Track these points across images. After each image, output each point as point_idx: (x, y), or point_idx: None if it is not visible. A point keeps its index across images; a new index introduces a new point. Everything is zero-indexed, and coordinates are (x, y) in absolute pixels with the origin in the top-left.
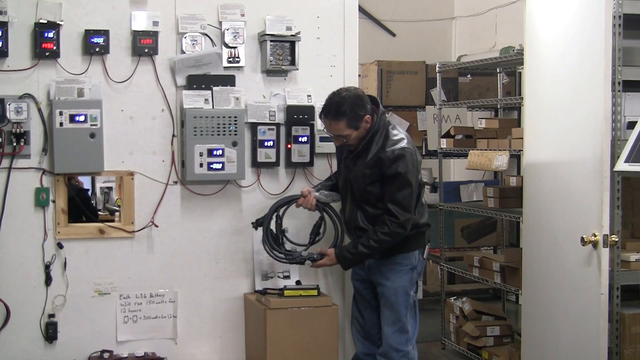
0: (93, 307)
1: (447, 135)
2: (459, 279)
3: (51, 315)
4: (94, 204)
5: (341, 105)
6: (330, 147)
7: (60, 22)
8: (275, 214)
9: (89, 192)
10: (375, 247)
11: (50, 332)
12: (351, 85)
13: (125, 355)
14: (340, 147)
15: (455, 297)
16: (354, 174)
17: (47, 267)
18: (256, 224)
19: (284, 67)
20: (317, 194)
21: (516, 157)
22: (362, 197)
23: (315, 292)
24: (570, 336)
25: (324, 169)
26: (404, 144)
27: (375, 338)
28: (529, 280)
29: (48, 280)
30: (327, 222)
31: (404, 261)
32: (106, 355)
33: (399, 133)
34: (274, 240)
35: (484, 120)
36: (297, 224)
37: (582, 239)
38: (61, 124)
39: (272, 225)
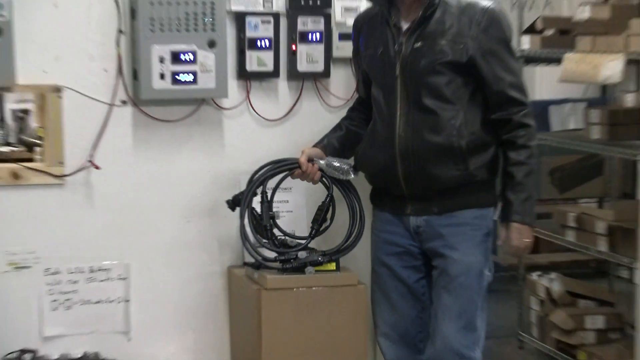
0: (7, 288)
1: (532, 30)
2: (545, 245)
3: None
4: None
5: None
6: None
7: None
8: (261, 188)
9: None
10: (532, 156)
11: None
12: None
13: (55, 357)
14: (368, 28)
15: (539, 274)
16: (417, 52)
17: None
18: (232, 203)
19: None
20: (322, 162)
21: (635, 64)
22: (427, 87)
23: (333, 267)
24: None
25: (345, 81)
26: (488, 1)
27: (416, 340)
28: None
29: None
30: (337, 202)
31: (478, 222)
32: (27, 356)
33: None
34: (258, 228)
35: (588, 6)
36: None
37: None
38: None
39: (257, 205)
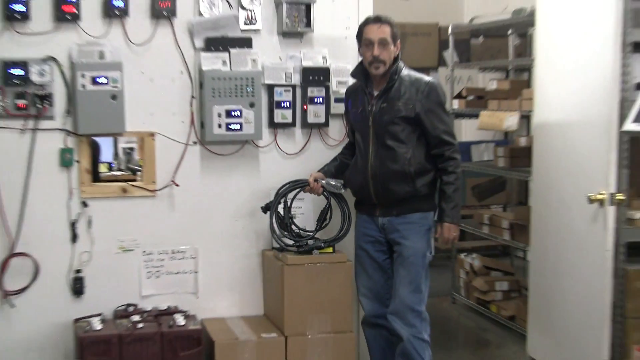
0: (118, 263)
1: (459, 96)
2: (469, 236)
3: (78, 271)
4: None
5: (388, 18)
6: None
7: None
8: (284, 198)
9: (100, 148)
10: (458, 179)
11: (77, 287)
12: None
13: (149, 309)
14: (353, 95)
15: (465, 254)
16: (383, 110)
17: (72, 225)
18: (266, 208)
19: (299, 30)
20: (323, 182)
21: (526, 118)
22: (389, 133)
23: (330, 250)
24: (576, 291)
25: (338, 129)
26: (430, 77)
27: (384, 298)
28: (536, 237)
29: (74, 237)
30: (333, 208)
31: (422, 221)
32: (131, 308)
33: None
34: (281, 225)
35: (495, 81)
36: (306, 207)
37: (589, 197)
38: (83, 86)
39: (281, 209)
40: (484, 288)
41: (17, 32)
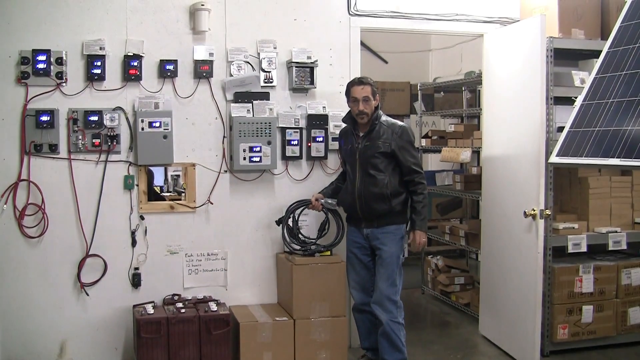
0: (166, 263)
1: (426, 136)
2: (434, 242)
3: (136, 268)
4: (154, 185)
5: (368, 79)
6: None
7: (142, 55)
8: (293, 214)
9: (154, 175)
10: (425, 198)
11: (135, 280)
12: None
13: (189, 298)
14: (344, 136)
15: (431, 256)
16: (366, 147)
17: (133, 233)
18: (279, 222)
19: (305, 86)
20: (322, 201)
21: (476, 153)
22: (371, 164)
23: (328, 253)
24: (516, 284)
25: (334, 161)
26: (402, 122)
27: (369, 290)
28: (485, 243)
29: (134, 242)
30: (330, 221)
31: (397, 231)
32: (176, 297)
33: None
34: (291, 234)
35: (452, 125)
36: (310, 220)
37: (525, 212)
38: (142, 128)
39: (290, 222)
40: (446, 282)
41: (95, 89)
